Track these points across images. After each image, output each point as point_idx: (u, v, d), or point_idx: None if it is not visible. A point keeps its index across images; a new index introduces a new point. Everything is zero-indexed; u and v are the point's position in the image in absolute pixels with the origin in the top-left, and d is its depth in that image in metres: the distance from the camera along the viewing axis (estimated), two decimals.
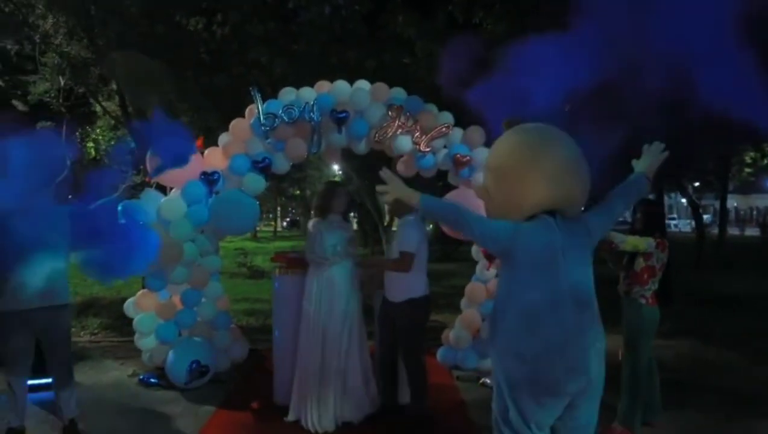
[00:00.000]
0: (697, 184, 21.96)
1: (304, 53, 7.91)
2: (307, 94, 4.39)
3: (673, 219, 34.63)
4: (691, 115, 2.39)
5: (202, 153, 4.54)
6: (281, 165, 4.56)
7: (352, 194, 6.62)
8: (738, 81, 2.05)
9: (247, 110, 4.46)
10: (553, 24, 2.39)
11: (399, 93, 4.49)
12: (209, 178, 4.28)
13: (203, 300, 4.54)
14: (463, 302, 4.88)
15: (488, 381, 4.16)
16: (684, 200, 24.02)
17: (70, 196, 3.25)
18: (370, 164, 7.55)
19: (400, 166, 4.84)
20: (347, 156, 6.90)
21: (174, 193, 4.43)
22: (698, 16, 2.09)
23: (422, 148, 4.39)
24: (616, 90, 2.34)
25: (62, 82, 8.82)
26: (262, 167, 4.38)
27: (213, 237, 4.63)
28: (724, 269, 12.01)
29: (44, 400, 3.79)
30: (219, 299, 4.72)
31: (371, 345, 3.79)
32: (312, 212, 3.83)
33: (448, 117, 4.49)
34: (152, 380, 4.32)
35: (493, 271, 4.56)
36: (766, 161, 20.01)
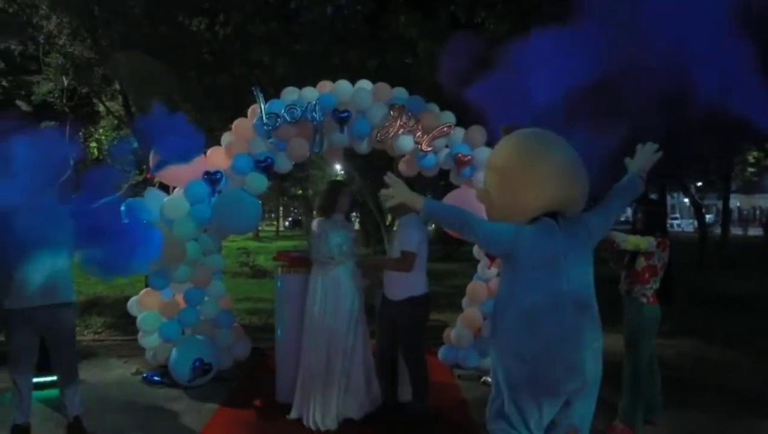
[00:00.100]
0: (699, 183, 21.91)
1: (306, 53, 7.93)
2: (310, 93, 4.41)
3: (676, 219, 34.52)
4: (694, 114, 2.40)
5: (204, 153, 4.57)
6: (283, 164, 4.58)
7: (355, 194, 6.63)
8: (739, 80, 2.06)
9: (250, 110, 4.49)
10: (555, 24, 2.40)
11: (401, 93, 4.50)
12: (212, 178, 4.31)
13: (206, 298, 4.56)
14: (465, 301, 4.90)
15: (489, 379, 4.16)
16: (687, 200, 23.94)
17: (73, 196, 3.27)
18: (372, 163, 7.57)
19: (401, 166, 4.85)
20: (349, 155, 6.91)
21: (177, 192, 4.45)
22: (699, 15, 2.10)
23: (424, 147, 4.41)
24: (617, 89, 2.36)
25: (66, 83, 8.87)
26: (265, 166, 4.40)
27: (216, 236, 4.65)
28: (727, 269, 11.99)
29: (49, 398, 3.82)
30: (222, 298, 4.75)
31: (373, 344, 3.81)
32: (315, 211, 3.83)
33: (449, 117, 4.50)
34: (156, 378, 4.35)
35: (494, 270, 4.57)
36: None
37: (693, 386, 4.25)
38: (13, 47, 9.25)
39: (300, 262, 3.97)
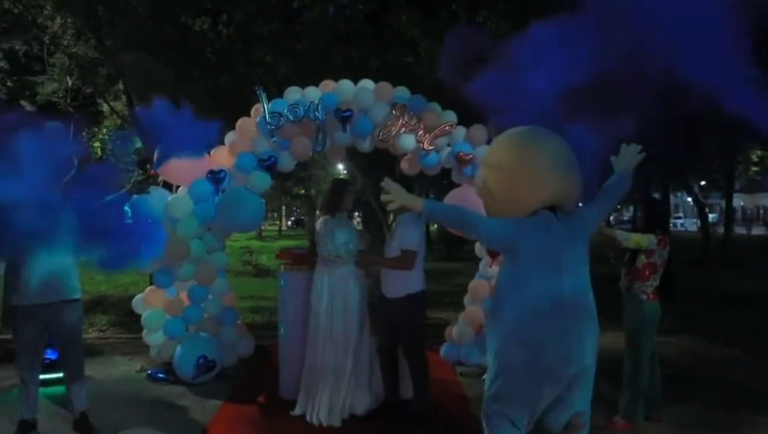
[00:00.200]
0: (703, 183, 21.85)
1: (309, 52, 7.96)
2: (312, 93, 4.45)
3: (679, 218, 34.44)
4: (696, 113, 2.42)
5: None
6: (286, 163, 4.62)
7: (358, 193, 6.67)
8: (742, 79, 2.08)
9: (253, 109, 4.52)
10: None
11: (403, 92, 4.53)
12: (216, 176, 4.35)
13: (210, 296, 4.60)
14: (467, 299, 4.92)
15: None
16: (690, 199, 23.90)
17: (77, 194, 3.30)
18: (375, 162, 7.60)
19: (403, 165, 4.88)
20: (352, 155, 6.95)
21: (181, 191, 4.50)
22: (699, 13, 2.11)
23: (426, 146, 4.43)
24: (619, 87, 2.38)
25: (70, 82, 8.92)
26: (268, 165, 4.44)
27: (219, 234, 4.69)
28: (730, 268, 11.97)
29: (56, 394, 3.87)
30: (225, 295, 4.79)
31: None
32: (319, 210, 3.86)
33: (451, 115, 4.53)
34: (160, 375, 4.39)
35: (495, 268, 4.60)
36: None
37: (693, 383, 4.27)
38: (17, 47, 9.31)
39: (302, 260, 4.01)
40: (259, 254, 13.40)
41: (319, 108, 4.28)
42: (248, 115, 4.58)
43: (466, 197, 4.35)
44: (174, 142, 3.92)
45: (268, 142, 4.43)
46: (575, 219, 2.13)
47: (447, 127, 4.44)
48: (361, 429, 3.43)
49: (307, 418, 3.51)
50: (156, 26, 7.53)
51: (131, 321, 5.89)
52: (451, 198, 4.71)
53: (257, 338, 5.23)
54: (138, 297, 4.73)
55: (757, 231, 26.51)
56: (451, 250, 15.05)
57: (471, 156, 4.46)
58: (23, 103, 10.54)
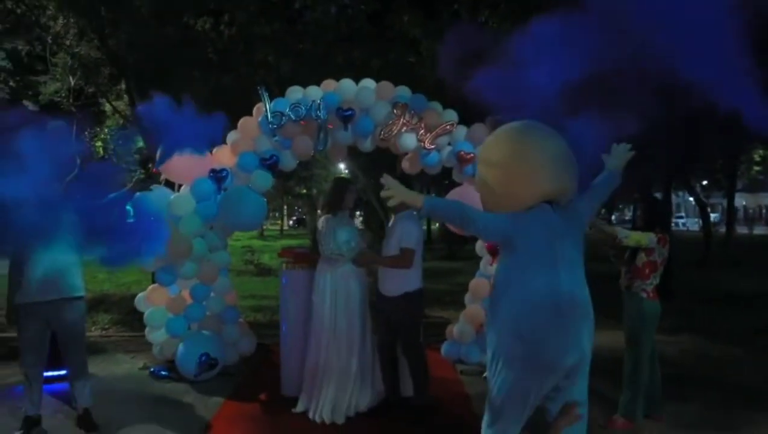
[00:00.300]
0: (705, 182, 21.81)
1: (310, 52, 7.99)
2: (314, 92, 4.47)
3: (681, 217, 34.37)
4: (698, 113, 2.43)
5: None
6: (288, 162, 4.64)
7: (359, 192, 6.69)
8: (744, 80, 2.09)
9: (255, 108, 4.55)
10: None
11: (404, 91, 4.55)
12: (218, 175, 4.38)
13: (212, 294, 4.63)
14: (467, 297, 4.94)
15: None
16: (692, 199, 23.87)
17: (79, 192, 3.32)
18: (377, 161, 7.62)
19: (405, 164, 4.90)
20: (353, 154, 6.97)
21: (183, 190, 4.52)
22: (701, 14, 2.12)
23: (427, 145, 4.45)
24: (620, 87, 2.39)
25: (72, 82, 8.96)
26: (270, 164, 4.46)
27: (221, 233, 4.72)
28: (732, 267, 11.96)
29: (59, 391, 3.90)
30: (227, 294, 4.82)
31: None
32: (321, 209, 3.87)
33: (452, 115, 4.55)
34: (163, 372, 4.42)
35: (496, 267, 4.61)
36: None
37: (694, 382, 4.28)
38: (20, 47, 9.35)
39: (304, 258, 4.04)
40: (260, 253, 13.43)
41: (321, 107, 4.31)
42: (250, 114, 4.61)
43: (467, 196, 4.36)
44: (176, 138, 3.93)
45: (270, 141, 4.45)
46: (570, 212, 2.17)
47: (448, 126, 4.46)
48: (363, 427, 3.44)
49: (310, 415, 3.53)
50: (158, 26, 7.56)
51: (134, 320, 5.92)
52: (453, 196, 4.72)
53: (259, 337, 5.26)
54: (141, 295, 4.76)
55: (759, 230, 26.45)
56: (452, 249, 15.07)
57: (472, 155, 4.48)
58: (26, 102, 10.59)
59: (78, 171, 3.37)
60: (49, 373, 3.92)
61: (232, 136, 4.61)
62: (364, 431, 3.38)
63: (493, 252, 4.49)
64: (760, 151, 18.67)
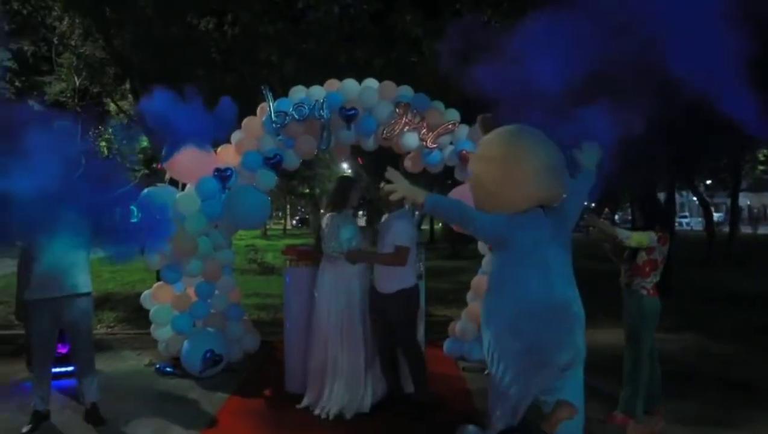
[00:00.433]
0: (709, 181, 21.74)
1: (313, 52, 8.04)
2: (317, 92, 4.51)
3: (685, 217, 34.25)
4: (703, 113, 2.45)
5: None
6: (292, 161, 4.69)
7: (363, 190, 6.73)
8: (739, 83, 2.12)
9: (259, 108, 4.59)
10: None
11: (406, 91, 4.59)
12: (222, 174, 4.42)
13: (216, 292, 4.68)
14: (469, 295, 4.97)
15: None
16: (696, 198, 23.81)
17: (84, 190, 3.36)
18: (380, 161, 7.66)
19: (407, 163, 4.94)
20: (357, 153, 7.01)
21: (189, 189, 4.57)
22: (701, 16, 2.15)
23: (429, 144, 4.49)
24: (624, 86, 2.42)
25: (78, 82, 9.04)
26: (274, 163, 4.51)
27: (226, 232, 4.77)
28: (735, 267, 11.94)
29: (67, 387, 3.96)
30: (232, 292, 4.86)
31: None
32: (326, 207, 3.90)
33: (454, 114, 4.58)
34: (168, 369, 4.47)
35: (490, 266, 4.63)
36: None
37: (695, 379, 4.30)
38: (25, 48, 9.44)
39: (307, 256, 4.08)
40: (264, 252, 13.48)
41: (324, 107, 4.35)
42: (254, 114, 4.65)
43: (468, 195, 4.40)
44: (182, 130, 3.96)
45: (274, 140, 4.50)
46: (559, 215, 2.24)
47: (450, 126, 4.49)
48: (367, 422, 3.48)
49: (316, 411, 3.56)
50: (163, 26, 7.62)
51: (139, 317, 5.98)
52: (455, 196, 4.75)
53: (263, 334, 5.30)
54: (146, 292, 4.81)
55: (764, 230, 26.32)
56: (455, 248, 15.08)
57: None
58: (31, 102, 10.66)
59: (84, 169, 3.41)
60: (58, 369, 3.99)
61: (236, 136, 4.66)
62: (366, 427, 3.42)
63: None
64: (765, 151, 18.62)
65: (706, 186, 22.50)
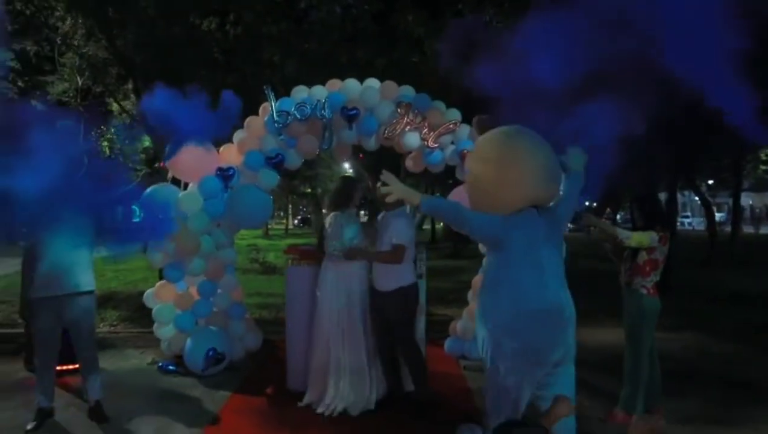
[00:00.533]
0: (711, 181, 21.72)
1: (315, 52, 8.06)
2: (319, 92, 4.53)
3: (687, 217, 34.20)
4: (703, 112, 2.46)
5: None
6: (294, 160, 4.71)
7: (364, 190, 6.76)
8: (737, 85, 2.13)
9: (261, 108, 4.62)
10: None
11: (408, 91, 4.60)
12: (225, 174, 4.45)
13: (219, 291, 4.70)
14: (470, 294, 4.98)
15: None
16: (698, 198, 23.78)
17: (87, 189, 3.38)
18: (382, 161, 7.69)
19: (408, 162, 4.96)
20: (358, 151, 7.03)
21: (191, 188, 4.60)
22: (701, 17, 2.16)
23: (430, 144, 4.50)
24: (625, 86, 2.43)
25: (80, 82, 9.08)
26: (276, 163, 4.53)
27: (228, 231, 4.79)
28: (737, 267, 11.92)
29: (71, 384, 3.99)
30: (234, 290, 4.89)
31: None
32: (329, 207, 3.92)
33: (455, 114, 4.60)
34: (171, 367, 4.50)
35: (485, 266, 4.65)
36: None
37: (695, 377, 4.31)
38: (28, 48, 9.48)
39: (309, 255, 4.10)
40: (266, 252, 13.50)
41: (326, 106, 4.37)
42: (256, 113, 4.67)
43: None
44: (184, 127, 3.97)
45: (276, 140, 4.52)
46: (552, 215, 2.28)
47: (451, 125, 4.51)
48: (367, 421, 3.50)
49: (317, 409, 3.58)
50: (165, 27, 7.65)
51: (141, 316, 6.00)
52: (455, 195, 4.77)
53: (265, 333, 5.32)
54: (149, 291, 4.84)
55: (765, 230, 26.27)
56: (456, 248, 15.09)
57: None
58: (34, 102, 10.69)
59: (86, 168, 3.44)
60: (62, 367, 4.02)
61: (238, 135, 4.68)
62: (368, 425, 3.44)
63: None
64: (767, 151, 18.57)
65: (708, 186, 22.48)
